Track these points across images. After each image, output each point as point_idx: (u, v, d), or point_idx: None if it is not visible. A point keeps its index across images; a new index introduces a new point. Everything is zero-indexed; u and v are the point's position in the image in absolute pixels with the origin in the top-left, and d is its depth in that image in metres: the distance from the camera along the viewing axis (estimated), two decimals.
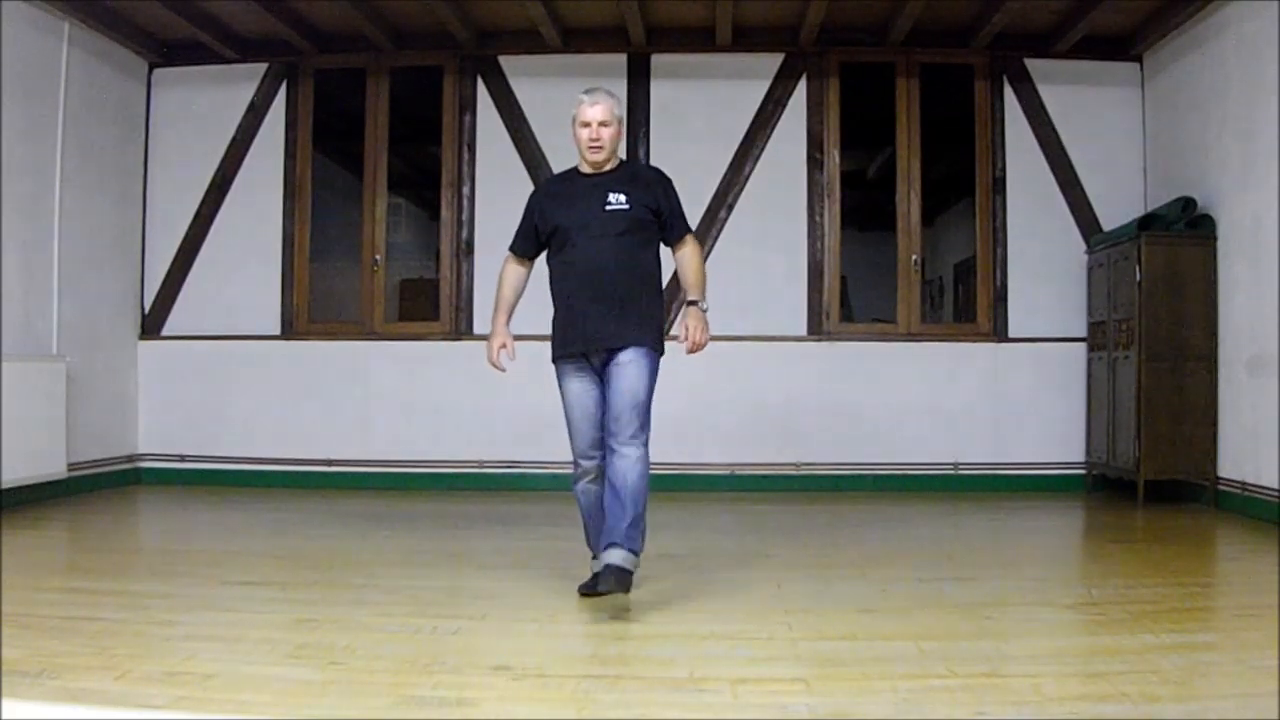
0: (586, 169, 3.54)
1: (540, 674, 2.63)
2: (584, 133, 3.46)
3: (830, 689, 2.48)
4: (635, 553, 3.30)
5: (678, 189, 3.62)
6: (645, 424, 3.41)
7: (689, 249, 3.61)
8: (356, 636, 2.93)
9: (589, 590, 3.42)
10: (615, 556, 3.25)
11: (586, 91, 3.51)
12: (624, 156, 3.64)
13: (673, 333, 3.59)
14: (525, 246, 3.64)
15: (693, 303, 3.54)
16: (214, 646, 2.80)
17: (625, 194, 3.46)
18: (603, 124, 3.44)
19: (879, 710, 2.33)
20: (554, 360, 3.52)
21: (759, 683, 2.53)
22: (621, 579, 3.23)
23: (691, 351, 3.49)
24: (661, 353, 3.49)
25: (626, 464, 3.34)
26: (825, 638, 2.98)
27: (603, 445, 3.42)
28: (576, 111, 3.48)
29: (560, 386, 3.52)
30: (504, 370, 3.63)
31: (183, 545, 4.62)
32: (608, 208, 3.44)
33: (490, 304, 6.75)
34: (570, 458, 3.53)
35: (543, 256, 3.65)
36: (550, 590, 3.59)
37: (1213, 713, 2.32)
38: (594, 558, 3.54)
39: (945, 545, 4.66)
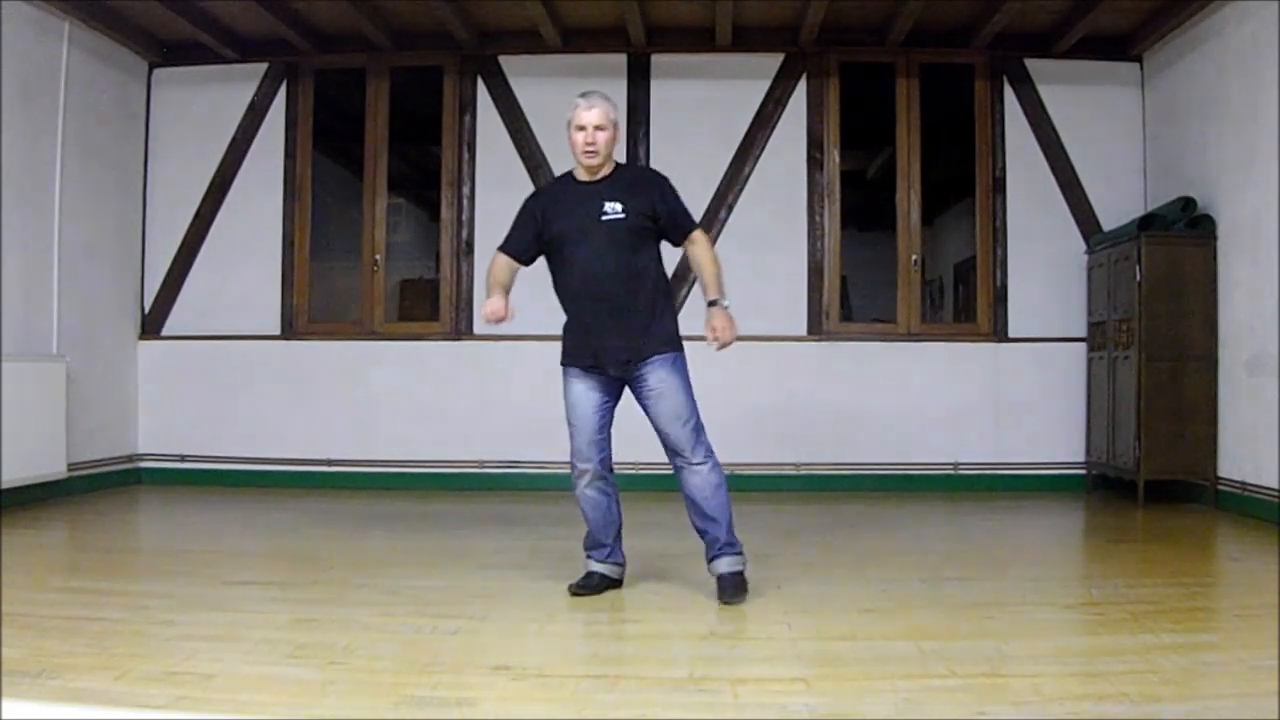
0: (582, 175, 3.50)
1: (540, 674, 2.63)
2: (579, 136, 3.41)
3: (830, 689, 2.48)
4: (739, 554, 3.45)
5: (678, 188, 3.59)
6: (701, 434, 3.45)
7: (699, 246, 3.57)
8: (356, 636, 2.93)
9: (580, 589, 3.50)
10: (723, 565, 3.43)
11: (582, 95, 3.47)
12: (620, 160, 3.59)
13: (695, 334, 3.58)
14: (518, 250, 3.58)
15: (714, 302, 3.50)
16: (214, 646, 2.80)
17: (621, 202, 3.42)
18: (598, 128, 3.40)
19: (879, 710, 2.33)
20: (562, 364, 3.53)
21: (759, 683, 2.53)
22: (737, 584, 3.40)
23: (720, 349, 3.49)
24: (682, 349, 3.49)
25: (699, 479, 3.45)
26: (825, 638, 2.98)
27: (601, 449, 3.48)
28: (572, 115, 3.44)
29: (564, 387, 3.52)
30: (501, 319, 3.50)
31: (183, 545, 4.62)
32: (604, 218, 3.40)
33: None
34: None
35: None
36: (550, 590, 3.59)
37: (1213, 713, 2.32)
38: (587, 557, 3.59)
39: (945, 545, 4.66)
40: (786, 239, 6.40)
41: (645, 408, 3.45)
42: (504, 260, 3.61)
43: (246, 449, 6.44)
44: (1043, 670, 2.63)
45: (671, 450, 3.46)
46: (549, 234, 3.48)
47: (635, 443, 6.10)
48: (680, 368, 3.46)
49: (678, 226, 3.53)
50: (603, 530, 3.55)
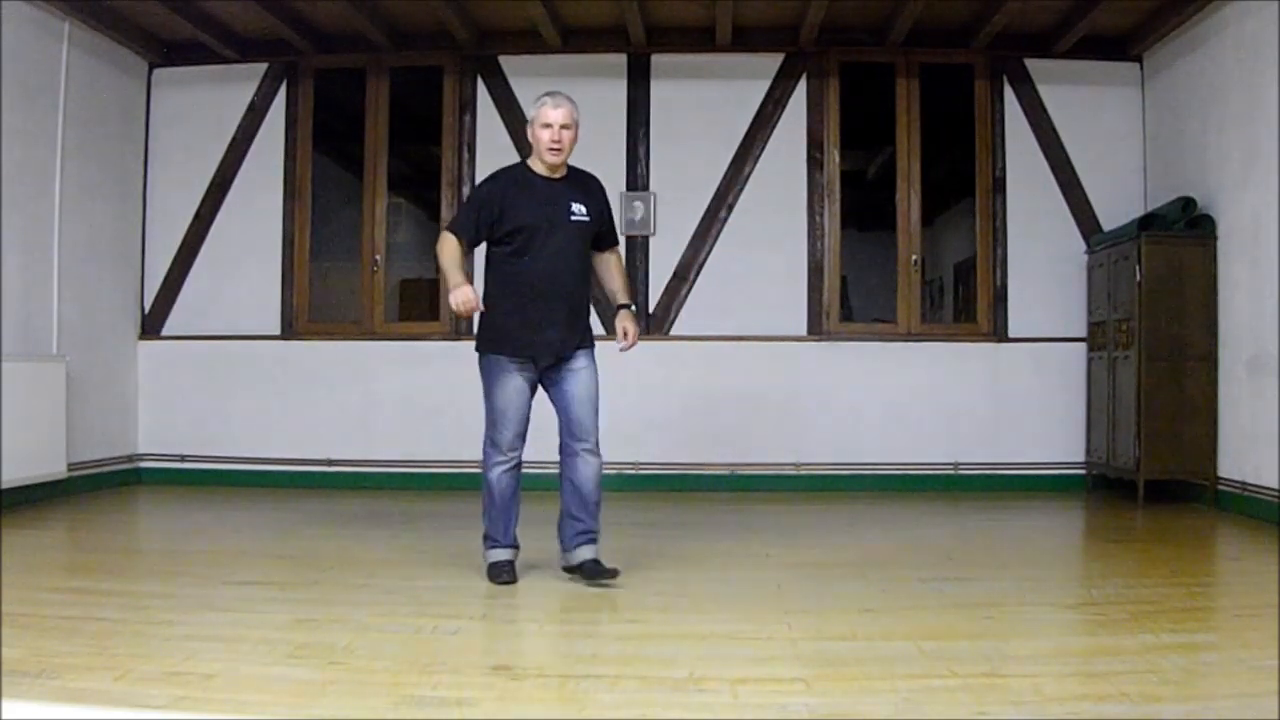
0: (542, 170, 3.64)
1: (540, 674, 2.63)
2: (545, 134, 3.57)
3: (830, 689, 2.48)
4: (597, 542, 3.67)
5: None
6: (598, 423, 3.70)
7: (618, 256, 3.92)
8: (356, 636, 2.93)
9: (510, 579, 3.64)
10: (589, 552, 3.63)
11: (548, 94, 3.62)
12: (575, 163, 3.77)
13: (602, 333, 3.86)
14: (473, 234, 3.69)
15: (625, 306, 3.81)
16: (214, 646, 2.80)
17: (585, 205, 3.64)
18: (564, 127, 3.57)
19: (879, 710, 2.33)
20: (490, 354, 3.67)
21: (759, 683, 2.53)
22: (600, 569, 3.58)
23: (625, 349, 3.74)
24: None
25: (591, 470, 3.70)
26: (825, 638, 2.98)
27: (524, 440, 3.70)
28: (537, 113, 3.60)
29: (492, 378, 3.68)
30: (480, 310, 3.68)
31: (183, 545, 4.62)
32: (573, 218, 3.61)
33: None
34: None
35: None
36: (550, 590, 3.59)
37: (1213, 713, 2.32)
38: (492, 545, 3.73)
39: (945, 545, 4.66)
40: (786, 239, 6.40)
41: (564, 391, 3.67)
42: (458, 248, 3.73)
43: (246, 449, 6.44)
44: (1043, 670, 2.63)
45: (576, 435, 3.65)
46: (509, 224, 3.59)
47: (635, 443, 6.15)
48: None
49: (611, 235, 3.85)
50: (508, 514, 3.73)
